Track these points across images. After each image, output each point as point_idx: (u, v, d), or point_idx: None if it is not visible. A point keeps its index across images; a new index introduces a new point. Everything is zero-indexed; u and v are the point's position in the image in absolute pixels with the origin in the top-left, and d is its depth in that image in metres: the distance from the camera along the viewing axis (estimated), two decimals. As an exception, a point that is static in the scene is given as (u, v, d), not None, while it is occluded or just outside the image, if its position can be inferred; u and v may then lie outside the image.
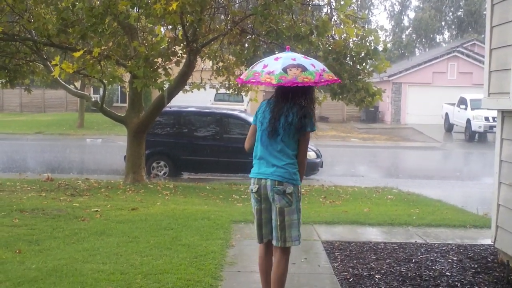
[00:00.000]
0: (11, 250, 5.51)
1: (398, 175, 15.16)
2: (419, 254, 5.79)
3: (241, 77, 4.01)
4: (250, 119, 13.82)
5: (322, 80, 3.76)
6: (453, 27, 57.68)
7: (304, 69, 3.69)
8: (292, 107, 3.80)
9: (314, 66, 3.76)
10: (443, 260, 5.55)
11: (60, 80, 11.81)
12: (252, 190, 3.96)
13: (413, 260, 5.53)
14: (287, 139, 3.82)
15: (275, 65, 3.73)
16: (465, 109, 25.28)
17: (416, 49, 58.74)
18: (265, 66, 3.79)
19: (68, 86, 13.04)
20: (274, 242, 3.89)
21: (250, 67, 4.01)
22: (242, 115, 14.36)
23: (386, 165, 18.37)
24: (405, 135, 28.19)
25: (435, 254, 5.78)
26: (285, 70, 3.66)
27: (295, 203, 3.83)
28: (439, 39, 59.59)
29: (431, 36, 58.10)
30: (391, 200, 9.74)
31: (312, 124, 3.82)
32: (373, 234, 6.79)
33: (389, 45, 49.18)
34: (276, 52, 10.94)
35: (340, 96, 10.38)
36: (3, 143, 21.65)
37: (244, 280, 4.85)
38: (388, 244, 6.18)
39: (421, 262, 5.46)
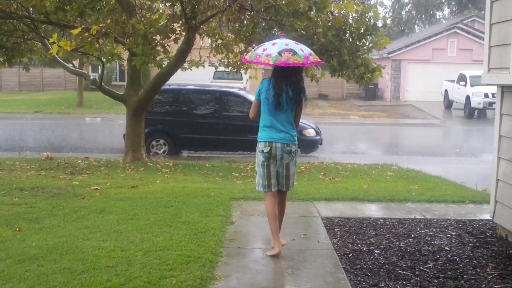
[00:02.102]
0: (11, 228, 5.52)
1: (397, 152, 15.17)
2: (418, 229, 5.81)
3: (246, 57, 5.05)
4: (250, 96, 13.78)
5: (309, 62, 4.79)
6: (453, 3, 57.14)
7: (294, 53, 4.70)
8: (289, 84, 4.84)
9: (303, 51, 4.77)
10: (442, 235, 5.57)
11: (59, 59, 11.72)
12: (263, 151, 4.98)
13: (412, 235, 5.55)
14: (289, 110, 4.92)
15: (272, 49, 4.74)
16: (465, 85, 25.18)
17: (416, 26, 58.30)
18: (264, 50, 4.81)
19: (67, 65, 12.95)
20: (282, 188, 5.03)
21: (253, 50, 4.95)
22: (241, 92, 14.28)
23: (385, 142, 18.37)
24: (405, 112, 28.14)
25: (434, 230, 5.80)
26: (280, 53, 4.67)
27: (295, 158, 5.04)
28: (439, 16, 59.14)
29: (431, 12, 57.60)
30: (390, 176, 9.75)
31: (305, 96, 5.01)
32: (372, 210, 6.80)
33: (388, 21, 48.90)
34: (275, 29, 10.92)
35: (340, 73, 10.31)
36: (2, 122, 21.61)
37: (244, 256, 4.87)
38: (388, 220, 6.20)
39: (420, 237, 5.48)
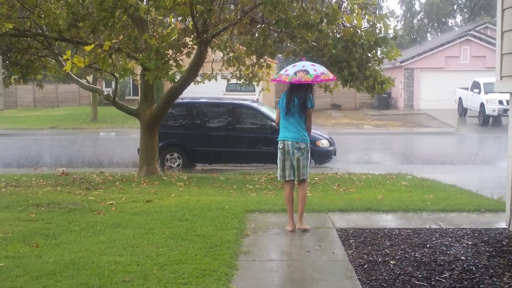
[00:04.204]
0: (28, 244, 5.59)
1: (412, 161, 15.08)
2: (433, 239, 5.78)
3: (272, 77, 6.61)
4: (262, 108, 13.85)
5: (318, 79, 6.13)
6: (465, 10, 56.91)
7: (307, 72, 6.07)
8: (297, 95, 6.20)
9: (316, 70, 6.10)
10: (457, 245, 5.54)
11: (72, 75, 11.88)
12: (279, 147, 6.27)
13: (428, 245, 5.52)
14: (297, 115, 6.19)
15: (291, 70, 6.17)
16: (479, 93, 25.02)
17: (428, 34, 58.08)
18: (286, 71, 6.27)
19: (80, 80, 13.12)
20: (296, 179, 6.28)
21: (279, 72, 6.61)
22: (254, 104, 14.34)
23: (399, 151, 18.29)
24: (419, 121, 28.00)
25: (449, 239, 5.77)
26: (295, 73, 6.09)
27: (305, 153, 6.22)
28: (451, 23, 58.86)
29: (443, 20, 57.38)
30: (405, 186, 9.70)
31: (312, 103, 6.22)
32: (387, 221, 6.78)
33: (400, 32, 48.72)
34: (287, 41, 10.99)
35: (351, 84, 10.33)
36: (18, 138, 21.89)
37: (260, 268, 4.89)
38: (403, 230, 6.17)
39: (436, 247, 5.46)
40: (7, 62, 11.60)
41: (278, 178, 6.48)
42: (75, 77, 12.44)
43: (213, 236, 5.79)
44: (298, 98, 6.16)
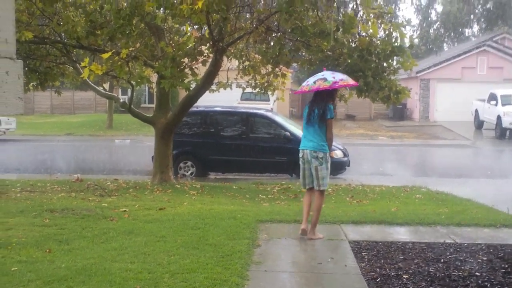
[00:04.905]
0: (41, 249, 5.63)
1: (427, 173, 14.95)
2: (448, 254, 5.71)
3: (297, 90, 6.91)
4: (276, 118, 13.86)
5: (336, 85, 6.22)
6: (482, 20, 56.45)
7: (325, 80, 6.20)
8: (317, 105, 6.36)
9: (334, 77, 6.21)
10: (472, 260, 5.46)
11: (90, 82, 11.98)
12: (300, 156, 6.49)
13: (442, 260, 5.45)
14: (317, 125, 6.32)
15: (311, 80, 6.38)
16: (496, 105, 24.73)
17: (445, 44, 57.68)
18: (307, 82, 6.47)
19: (97, 88, 13.25)
20: (315, 187, 6.43)
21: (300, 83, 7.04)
22: (269, 114, 14.34)
23: (414, 163, 18.14)
24: (434, 132, 27.78)
25: (464, 254, 5.69)
26: (314, 82, 6.29)
27: (324, 163, 6.34)
28: (468, 33, 58.38)
29: (460, 30, 56.98)
30: (419, 199, 9.61)
31: (331, 114, 6.32)
32: (401, 234, 6.72)
33: (416, 41, 48.52)
34: (302, 50, 10.99)
35: (366, 94, 10.28)
36: (35, 144, 22.11)
37: (271, 279, 4.86)
38: (416, 244, 6.11)
39: (450, 262, 5.39)
40: (26, 68, 11.73)
41: (301, 186, 6.75)
42: (92, 84, 12.55)
43: (225, 246, 5.78)
44: (318, 108, 6.31)
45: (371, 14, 9.76)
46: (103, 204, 8.32)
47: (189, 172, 13.29)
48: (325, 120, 6.29)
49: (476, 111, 27.80)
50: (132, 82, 9.86)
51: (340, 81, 6.22)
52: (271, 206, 8.70)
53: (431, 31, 58.14)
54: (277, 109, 27.37)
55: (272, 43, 11.16)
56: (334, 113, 6.40)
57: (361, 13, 10.20)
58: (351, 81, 6.46)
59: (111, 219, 7.17)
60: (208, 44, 10.07)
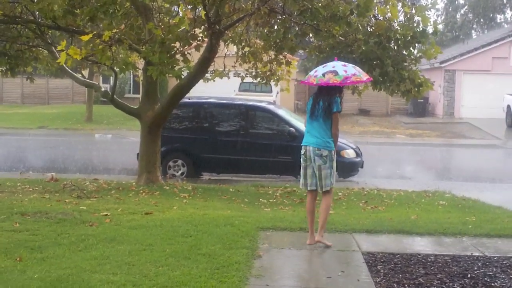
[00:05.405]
0: (11, 257, 5.62)
1: (451, 177, 14.98)
2: (475, 268, 5.71)
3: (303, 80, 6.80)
4: (280, 112, 13.86)
5: (348, 81, 6.43)
6: (516, 5, 56.53)
7: (336, 73, 6.24)
8: (322, 98, 6.42)
9: (346, 72, 6.29)
10: (503, 276, 5.48)
11: (67, 68, 11.98)
12: (301, 153, 6.53)
13: (469, 276, 5.46)
14: (321, 119, 6.37)
15: (320, 71, 6.41)
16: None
17: (473, 31, 57.76)
18: (315, 71, 6.52)
19: (75, 75, 13.25)
20: (318, 189, 6.50)
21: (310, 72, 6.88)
22: (271, 107, 14.35)
23: (437, 165, 18.15)
24: (460, 131, 27.81)
25: (494, 269, 5.70)
26: (324, 74, 6.29)
27: (328, 162, 6.38)
28: (500, 19, 58.46)
29: (491, 15, 57.00)
30: (443, 206, 9.63)
31: (338, 107, 6.34)
32: (421, 245, 6.74)
33: (440, 27, 48.53)
34: (310, 35, 10.99)
35: (383, 86, 10.27)
36: (3, 138, 22.12)
37: (273, 295, 4.86)
38: (439, 257, 6.12)
39: (478, 278, 5.39)
40: (-6, 52, 11.74)
41: (300, 187, 6.81)
42: (69, 70, 12.54)
43: (220, 256, 5.78)
44: (323, 100, 6.37)
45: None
46: (81, 207, 8.32)
47: (180, 172, 13.30)
48: (330, 113, 6.36)
49: (508, 107, 27.81)
50: (115, 68, 9.84)
51: (353, 77, 6.32)
52: (273, 212, 8.71)
53: (458, 16, 58.15)
54: (281, 101, 27.41)
55: (276, 27, 11.16)
56: (341, 106, 6.43)
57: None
58: (364, 77, 6.54)
59: (91, 224, 7.17)
60: (202, 27, 10.07)
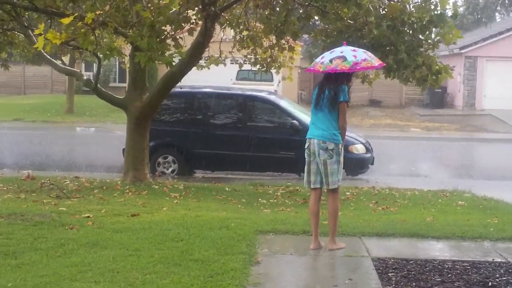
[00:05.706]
0: (-17, 264, 5.63)
1: (471, 175, 14.98)
2: (497, 276, 5.73)
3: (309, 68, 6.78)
4: (281, 103, 13.84)
5: (358, 67, 6.37)
6: (545, -16, 56.47)
7: (344, 59, 6.21)
8: (328, 87, 6.40)
9: (356, 57, 6.23)
10: (528, 284, 5.48)
11: (45, 54, 11.96)
12: (305, 146, 6.55)
13: (490, 284, 5.47)
14: (327, 110, 6.36)
15: (327, 57, 6.39)
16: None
17: (497, 13, 57.71)
18: (322, 57, 6.52)
19: (55, 61, 13.22)
20: (324, 186, 6.48)
21: (316, 58, 6.81)
22: (272, 97, 14.35)
23: (456, 162, 18.16)
24: (482, 124, 27.83)
25: (518, 276, 5.71)
26: (331, 60, 6.26)
27: (335, 156, 6.36)
28: (527, 0, 58.41)
29: (517, -4, 56.99)
30: (461, 206, 9.64)
31: (345, 96, 6.34)
32: (438, 250, 6.75)
33: (461, 9, 48.53)
34: (315, 18, 10.98)
35: (396, 74, 10.25)
36: (-25, 132, 22.09)
37: (272, 305, 4.87)
38: (458, 263, 6.13)
39: (501, 286, 5.40)
40: (-37, 36, 11.74)
41: (304, 185, 6.86)
42: (48, 57, 12.52)
43: (215, 262, 5.79)
44: (329, 89, 6.37)
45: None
46: (60, 208, 8.31)
47: (170, 170, 13.30)
48: (337, 103, 6.34)
49: (536, 97, 27.82)
50: (99, 54, 9.83)
51: (363, 62, 6.28)
52: (274, 213, 8.72)
53: (480, -4, 57.99)
54: (283, 91, 27.43)
55: (277, 9, 11.15)
56: (348, 96, 6.41)
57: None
58: (376, 62, 6.52)
59: (71, 227, 7.17)
60: (196, 9, 10.05)
